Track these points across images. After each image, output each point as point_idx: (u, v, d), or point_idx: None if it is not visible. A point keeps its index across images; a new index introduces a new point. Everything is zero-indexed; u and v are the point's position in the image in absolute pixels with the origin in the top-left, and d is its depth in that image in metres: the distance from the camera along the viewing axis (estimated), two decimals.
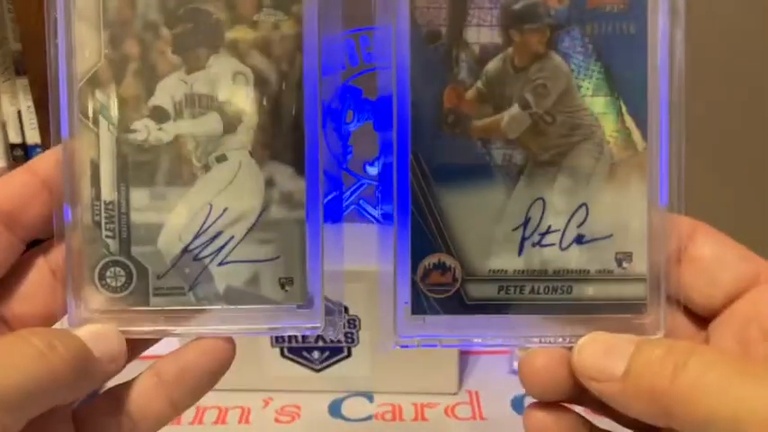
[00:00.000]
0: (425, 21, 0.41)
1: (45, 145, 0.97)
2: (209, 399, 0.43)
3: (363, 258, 0.44)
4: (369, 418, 0.78)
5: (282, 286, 0.42)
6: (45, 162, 0.42)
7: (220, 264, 0.42)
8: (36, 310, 0.41)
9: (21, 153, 1.16)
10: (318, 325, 0.43)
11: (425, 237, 0.41)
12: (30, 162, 0.42)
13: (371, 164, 0.72)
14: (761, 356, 0.38)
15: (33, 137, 1.14)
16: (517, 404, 0.80)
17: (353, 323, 0.79)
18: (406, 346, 0.42)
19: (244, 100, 0.42)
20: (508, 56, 0.41)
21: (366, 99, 0.43)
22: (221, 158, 0.42)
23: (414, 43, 0.41)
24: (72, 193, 0.41)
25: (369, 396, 0.81)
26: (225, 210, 0.42)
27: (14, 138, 1.16)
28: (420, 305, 0.42)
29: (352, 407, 0.80)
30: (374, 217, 0.73)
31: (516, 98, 0.41)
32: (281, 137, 0.42)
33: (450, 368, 0.81)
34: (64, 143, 0.41)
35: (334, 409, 0.79)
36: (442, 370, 0.81)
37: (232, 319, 0.42)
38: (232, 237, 0.42)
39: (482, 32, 0.41)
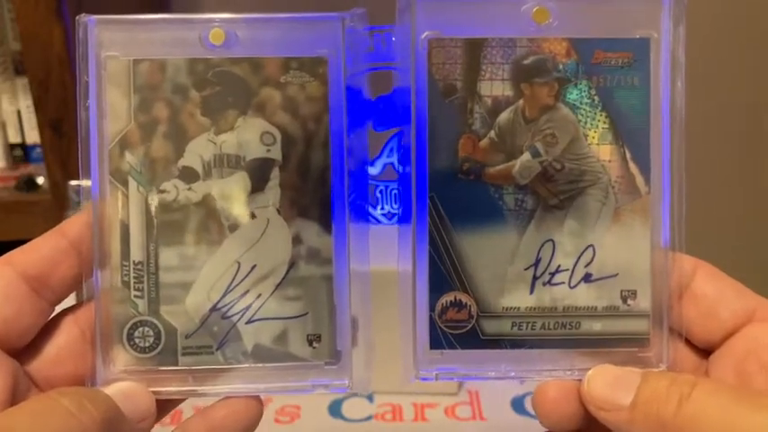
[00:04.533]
0: (442, 76, 0.43)
1: (44, 145, 0.97)
2: (210, 399, 0.43)
3: (355, 263, 0.44)
4: (369, 418, 0.78)
5: (310, 343, 0.43)
6: (74, 224, 0.42)
7: (248, 322, 0.43)
8: (66, 371, 0.42)
9: (20, 153, 1.15)
10: (347, 381, 0.43)
11: (442, 276, 0.43)
12: (59, 225, 0.42)
13: (372, 164, 0.73)
14: (759, 387, 0.40)
15: (33, 137, 1.13)
16: (517, 404, 0.79)
17: (353, 324, 0.78)
18: (426, 379, 0.43)
19: (271, 159, 0.43)
20: (519, 107, 0.43)
21: (365, 99, 0.44)
22: (250, 217, 0.43)
23: (431, 96, 0.43)
24: (101, 253, 0.42)
25: (369, 396, 0.80)
26: (253, 267, 0.43)
27: (14, 138, 1.16)
28: (438, 340, 0.43)
29: (352, 407, 0.79)
30: (374, 217, 0.73)
31: (527, 147, 0.43)
32: (308, 194, 0.43)
33: None
34: (93, 204, 0.42)
35: (334, 409, 0.79)
36: None
37: (260, 377, 0.43)
38: (260, 294, 0.43)
39: (494, 86, 0.43)
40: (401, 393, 0.81)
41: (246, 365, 0.43)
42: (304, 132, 0.43)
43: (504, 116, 0.43)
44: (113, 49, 0.42)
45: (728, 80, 1.38)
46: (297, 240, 0.43)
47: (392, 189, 0.71)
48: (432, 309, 0.43)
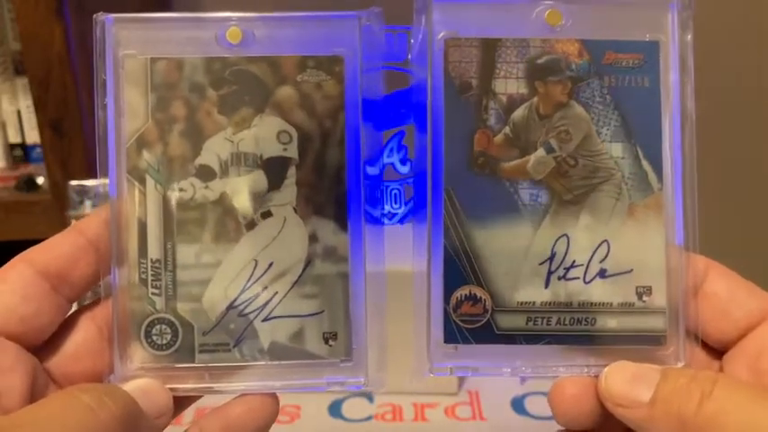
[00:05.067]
0: (458, 74, 0.43)
1: (44, 145, 0.97)
2: (210, 399, 0.44)
3: (370, 263, 0.44)
4: (369, 418, 0.78)
5: (326, 341, 0.43)
6: (92, 222, 0.43)
7: (265, 319, 0.43)
8: (84, 368, 0.42)
9: (20, 153, 1.15)
10: (362, 379, 0.44)
11: (458, 270, 0.43)
12: (77, 222, 0.43)
13: (372, 163, 0.73)
14: None
15: (33, 137, 1.13)
16: (517, 404, 0.80)
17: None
18: (440, 374, 0.44)
19: (288, 157, 0.43)
20: (533, 105, 0.44)
21: (367, 99, 0.45)
22: (266, 215, 0.43)
23: (447, 93, 0.43)
24: (119, 251, 0.42)
25: (369, 396, 0.81)
26: (270, 265, 0.43)
27: (14, 138, 1.15)
28: (452, 334, 0.43)
29: (352, 407, 0.79)
30: (375, 217, 0.73)
31: (541, 143, 0.44)
32: (324, 193, 0.43)
33: None
34: (111, 202, 0.42)
35: (334, 409, 0.79)
36: None
37: (276, 374, 0.43)
38: (276, 292, 0.43)
39: (509, 84, 0.44)
40: (401, 393, 0.81)
41: (263, 363, 0.43)
42: (320, 131, 0.43)
43: (518, 113, 0.44)
44: (131, 48, 0.43)
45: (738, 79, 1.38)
46: (313, 238, 0.43)
47: (392, 189, 0.71)
48: (446, 302, 0.43)
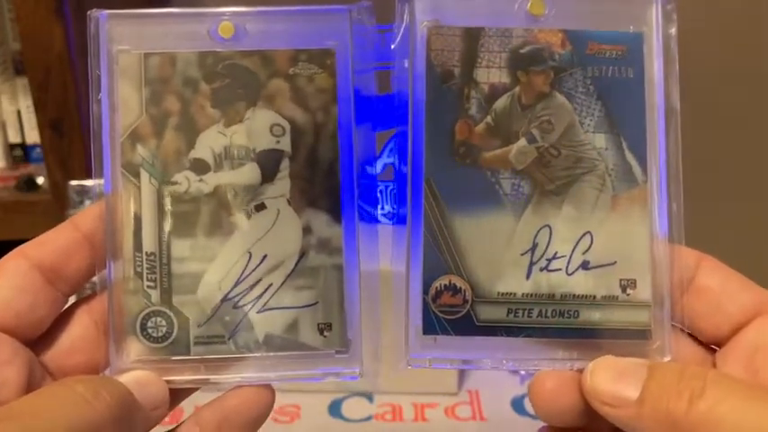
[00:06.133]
0: (440, 62, 0.44)
1: (44, 145, 0.97)
2: (210, 399, 0.44)
3: (364, 258, 0.45)
4: (369, 418, 0.78)
5: (321, 332, 0.44)
6: (87, 216, 0.43)
7: (260, 311, 0.44)
8: (80, 361, 0.43)
9: (20, 153, 1.16)
10: (357, 370, 0.44)
11: (437, 259, 0.43)
12: (72, 217, 0.44)
13: (370, 163, 0.74)
14: None
15: (33, 137, 1.14)
16: (517, 404, 0.81)
17: None
18: (418, 366, 0.44)
19: (281, 150, 0.44)
20: (515, 94, 0.44)
21: (362, 96, 0.45)
22: (260, 207, 0.44)
23: (429, 81, 0.44)
24: (114, 245, 0.43)
25: (369, 396, 0.81)
26: (264, 257, 0.44)
27: (14, 138, 1.16)
28: (431, 325, 0.43)
29: (352, 407, 0.80)
30: (374, 216, 0.73)
31: (523, 132, 0.44)
32: (318, 185, 0.44)
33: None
34: (106, 196, 0.43)
35: (334, 409, 0.80)
36: (443, 370, 0.79)
37: (271, 365, 0.44)
38: (271, 284, 0.44)
39: (491, 73, 0.44)
40: (401, 393, 0.81)
41: (258, 354, 0.44)
42: (313, 123, 0.44)
43: (500, 102, 0.44)
44: (125, 43, 0.43)
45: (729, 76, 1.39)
46: (307, 230, 0.44)
47: (392, 189, 0.72)
48: (426, 292, 0.43)
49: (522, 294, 0.44)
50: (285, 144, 0.44)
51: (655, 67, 0.44)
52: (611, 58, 0.44)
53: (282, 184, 0.44)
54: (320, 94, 0.44)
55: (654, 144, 0.44)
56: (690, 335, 0.44)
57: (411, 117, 0.44)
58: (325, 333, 0.44)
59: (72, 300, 0.44)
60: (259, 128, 0.44)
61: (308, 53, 0.44)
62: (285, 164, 0.44)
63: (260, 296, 0.44)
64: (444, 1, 0.44)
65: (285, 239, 0.44)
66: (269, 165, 0.44)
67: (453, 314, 0.43)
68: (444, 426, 0.78)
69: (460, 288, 0.43)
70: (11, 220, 1.01)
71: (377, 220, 0.76)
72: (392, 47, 0.45)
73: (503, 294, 0.44)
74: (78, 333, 0.43)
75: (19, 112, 1.15)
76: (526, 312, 0.44)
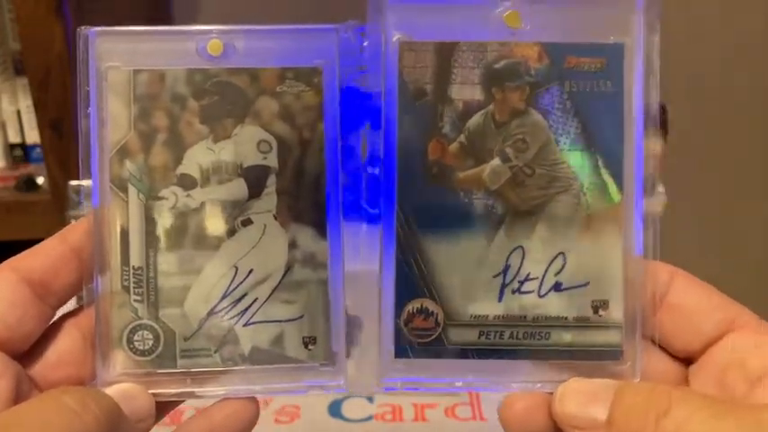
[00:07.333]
0: (412, 79, 0.43)
1: (44, 145, 0.98)
2: (210, 400, 0.45)
3: (364, 258, 0.45)
4: (369, 418, 0.78)
5: (306, 345, 0.45)
6: (75, 230, 0.44)
7: (245, 324, 0.45)
8: (67, 374, 0.43)
9: (20, 153, 1.17)
10: (342, 382, 0.45)
11: (410, 282, 0.43)
12: (62, 231, 0.44)
13: (373, 164, 0.73)
14: (741, 397, 0.40)
15: (33, 137, 1.14)
16: None
17: (355, 323, 0.77)
18: (390, 389, 0.44)
19: (268, 166, 0.45)
20: (490, 112, 0.44)
21: (363, 94, 0.46)
22: (246, 222, 0.45)
23: (401, 99, 0.43)
24: (102, 259, 0.44)
25: (369, 396, 0.80)
26: (250, 271, 0.45)
27: (14, 138, 1.16)
28: (403, 349, 0.44)
29: (352, 407, 0.80)
30: (375, 216, 0.73)
31: (497, 152, 0.44)
32: (304, 200, 0.45)
33: None
34: (94, 211, 0.44)
35: (334, 410, 0.80)
36: None
37: (257, 378, 0.45)
38: (257, 298, 0.45)
39: (465, 90, 0.43)
40: (401, 393, 0.81)
41: (244, 367, 0.45)
42: (299, 140, 0.45)
43: (474, 120, 0.44)
44: (114, 60, 0.44)
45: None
46: (293, 245, 0.45)
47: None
48: (398, 316, 0.44)
49: (494, 317, 0.44)
50: (272, 160, 0.45)
51: (635, 80, 0.44)
52: (590, 71, 0.44)
53: (269, 200, 0.45)
54: (307, 112, 0.45)
55: (631, 160, 0.44)
56: (665, 350, 0.44)
57: (383, 136, 0.44)
58: (310, 346, 0.45)
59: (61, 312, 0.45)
60: (246, 144, 0.45)
61: (296, 71, 0.45)
62: (272, 179, 0.45)
63: (246, 310, 0.45)
64: (417, 14, 0.44)
65: (271, 254, 0.45)
66: (256, 180, 0.45)
67: (425, 337, 0.44)
68: (444, 426, 0.78)
69: (432, 311, 0.44)
70: (11, 220, 1.02)
71: (377, 219, 0.77)
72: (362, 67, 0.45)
73: (475, 317, 0.44)
74: (66, 346, 0.44)
75: (19, 112, 1.16)
76: (498, 335, 0.44)
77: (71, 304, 0.46)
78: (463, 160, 0.44)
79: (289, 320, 0.45)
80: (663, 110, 1.03)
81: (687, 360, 0.43)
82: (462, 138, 0.44)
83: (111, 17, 1.04)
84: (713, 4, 1.41)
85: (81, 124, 0.44)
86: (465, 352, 0.44)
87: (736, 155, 1.50)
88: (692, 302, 0.43)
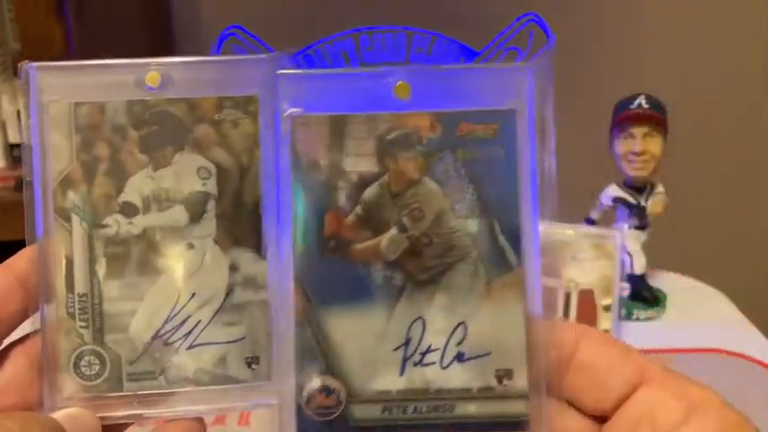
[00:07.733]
0: (306, 152, 0.43)
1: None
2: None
3: None
4: None
5: (249, 365, 0.46)
6: (20, 259, 0.45)
7: (189, 347, 0.46)
8: (15, 401, 0.44)
9: (20, 153, 1.13)
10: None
11: (309, 360, 0.43)
12: (7, 261, 0.45)
13: None
14: None
15: None
16: None
17: None
18: None
19: (207, 192, 0.46)
20: (385, 182, 0.44)
21: None
22: (188, 247, 0.46)
23: (295, 173, 0.43)
24: (47, 287, 0.45)
25: None
26: (192, 295, 0.46)
27: (14, 138, 1.18)
28: (305, 429, 0.43)
29: None
30: None
31: (394, 222, 0.44)
32: (243, 224, 0.46)
33: None
34: (39, 240, 0.45)
35: None
36: None
37: (202, 399, 0.46)
38: (200, 321, 0.46)
39: (360, 161, 0.44)
40: None
41: (189, 389, 0.46)
42: (238, 166, 0.47)
43: (369, 191, 0.44)
44: (55, 94, 0.46)
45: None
46: (233, 268, 0.46)
47: None
48: (299, 395, 0.43)
49: (397, 391, 0.43)
50: (211, 186, 0.46)
51: (528, 146, 0.43)
52: (483, 138, 0.43)
53: (209, 225, 0.47)
54: (244, 139, 0.47)
55: (528, 225, 0.43)
56: (578, 410, 0.44)
57: (277, 211, 0.44)
58: (253, 366, 0.46)
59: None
60: (186, 171, 0.46)
61: (233, 100, 0.47)
62: (211, 205, 0.47)
63: (189, 333, 0.46)
64: (308, 88, 0.44)
65: (212, 277, 0.46)
66: (196, 206, 0.46)
67: (327, 416, 0.43)
68: None
69: (334, 389, 0.43)
70: (10, 220, 1.01)
71: None
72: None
73: (377, 392, 0.43)
74: (12, 373, 0.45)
75: (19, 113, 1.16)
76: (401, 409, 0.43)
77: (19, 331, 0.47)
78: (360, 232, 0.44)
79: (231, 342, 0.46)
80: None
81: (601, 418, 0.43)
82: (359, 209, 0.44)
83: (111, 17, 1.05)
84: (713, 5, 1.41)
85: (24, 156, 0.46)
86: (369, 429, 0.43)
87: (737, 155, 1.50)
88: (600, 361, 0.43)
